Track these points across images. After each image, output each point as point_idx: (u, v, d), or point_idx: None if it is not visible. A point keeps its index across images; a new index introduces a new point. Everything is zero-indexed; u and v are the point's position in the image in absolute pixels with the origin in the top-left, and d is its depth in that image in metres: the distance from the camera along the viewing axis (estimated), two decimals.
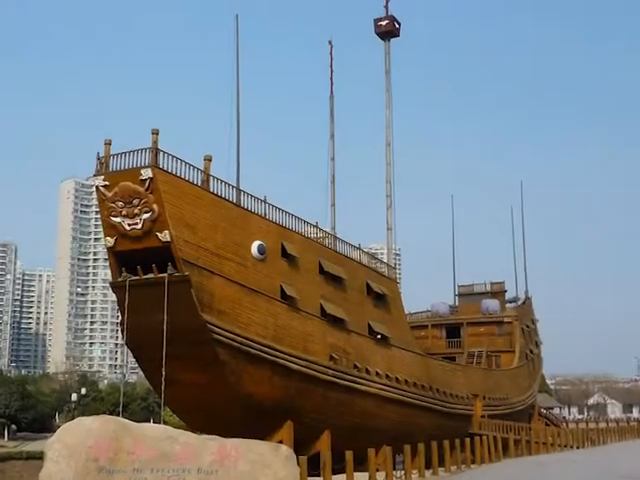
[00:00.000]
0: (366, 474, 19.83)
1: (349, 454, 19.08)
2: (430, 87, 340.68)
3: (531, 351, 53.83)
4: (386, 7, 44.66)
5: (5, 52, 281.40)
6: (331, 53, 44.80)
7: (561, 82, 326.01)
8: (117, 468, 12.06)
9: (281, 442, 27.04)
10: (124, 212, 23.43)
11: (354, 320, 31.25)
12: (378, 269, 35.79)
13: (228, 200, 26.04)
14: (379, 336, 33.46)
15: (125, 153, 23.84)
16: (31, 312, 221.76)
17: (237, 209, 26.36)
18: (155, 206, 23.16)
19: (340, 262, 31.36)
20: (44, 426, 71.00)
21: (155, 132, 23.73)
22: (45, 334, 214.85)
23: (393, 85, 44.19)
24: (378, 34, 44.87)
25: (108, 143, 24.39)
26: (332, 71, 44.72)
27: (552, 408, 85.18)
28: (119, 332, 27.74)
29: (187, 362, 24.40)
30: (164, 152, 23.79)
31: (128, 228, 23.50)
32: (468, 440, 27.34)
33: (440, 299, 54.97)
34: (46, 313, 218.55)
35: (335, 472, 19.19)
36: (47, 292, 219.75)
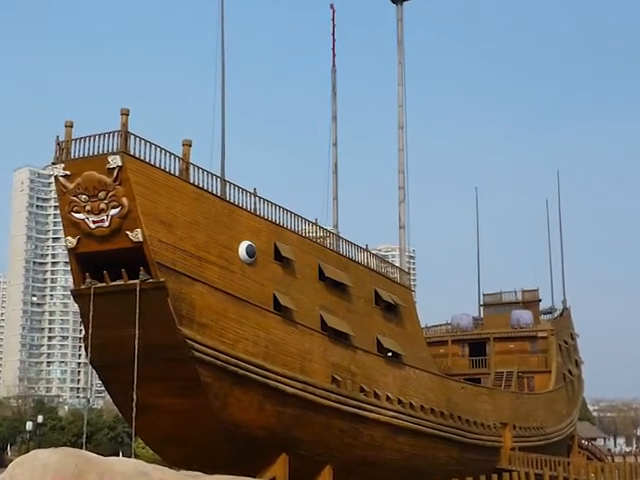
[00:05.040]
0: None
1: None
2: (451, 60, 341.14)
3: (570, 372, 53.87)
4: None
5: None
6: (333, 19, 44.79)
7: (607, 51, 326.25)
8: None
9: (274, 479, 27.22)
10: (88, 207, 23.42)
11: (360, 335, 31.28)
12: (389, 274, 35.83)
13: (211, 193, 26.05)
14: (390, 354, 33.50)
15: (90, 137, 23.81)
16: None
17: (222, 203, 26.38)
18: (125, 200, 23.16)
19: (344, 266, 31.39)
20: None
21: (125, 113, 23.71)
22: None
23: (407, 57, 44.22)
24: None
25: (69, 125, 24.37)
26: (334, 40, 44.71)
27: (595, 439, 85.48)
28: (82, 349, 27.80)
29: (163, 385, 24.40)
30: (135, 136, 23.79)
31: (93, 226, 23.51)
32: (495, 477, 27.36)
33: (462, 310, 55.27)
34: None
35: None
36: None
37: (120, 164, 23.08)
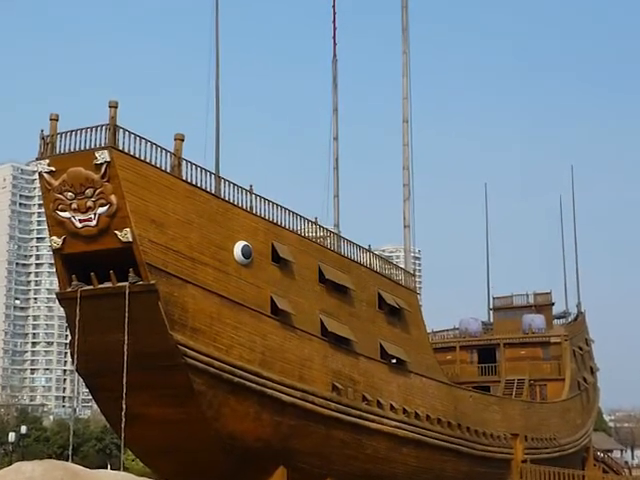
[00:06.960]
0: None
1: None
2: (457, 51, 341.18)
3: (585, 379, 53.87)
4: None
5: None
6: (334, 6, 44.83)
7: (617, 44, 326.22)
8: None
9: None
10: (74, 205, 23.44)
11: (363, 340, 31.30)
12: (393, 276, 35.83)
13: (205, 190, 26.07)
14: (394, 360, 33.52)
15: (76, 131, 23.84)
16: None
17: (216, 201, 26.39)
18: (113, 197, 23.18)
19: (345, 268, 31.41)
20: None
21: (113, 105, 23.72)
22: None
23: (412, 48, 44.07)
24: None
25: (54, 119, 24.39)
26: (335, 28, 44.74)
27: (611, 451, 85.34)
28: (68, 355, 27.82)
29: (153, 393, 24.44)
30: (125, 130, 23.81)
31: (79, 225, 23.52)
32: None
33: (471, 314, 55.08)
34: None
35: None
36: None
37: (108, 160, 23.08)
